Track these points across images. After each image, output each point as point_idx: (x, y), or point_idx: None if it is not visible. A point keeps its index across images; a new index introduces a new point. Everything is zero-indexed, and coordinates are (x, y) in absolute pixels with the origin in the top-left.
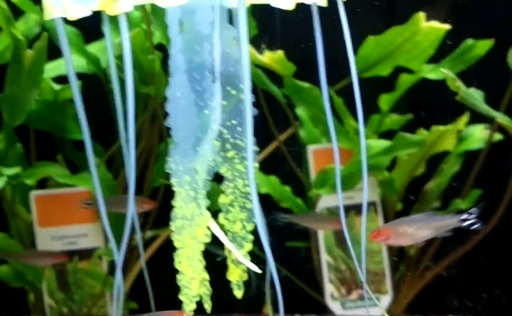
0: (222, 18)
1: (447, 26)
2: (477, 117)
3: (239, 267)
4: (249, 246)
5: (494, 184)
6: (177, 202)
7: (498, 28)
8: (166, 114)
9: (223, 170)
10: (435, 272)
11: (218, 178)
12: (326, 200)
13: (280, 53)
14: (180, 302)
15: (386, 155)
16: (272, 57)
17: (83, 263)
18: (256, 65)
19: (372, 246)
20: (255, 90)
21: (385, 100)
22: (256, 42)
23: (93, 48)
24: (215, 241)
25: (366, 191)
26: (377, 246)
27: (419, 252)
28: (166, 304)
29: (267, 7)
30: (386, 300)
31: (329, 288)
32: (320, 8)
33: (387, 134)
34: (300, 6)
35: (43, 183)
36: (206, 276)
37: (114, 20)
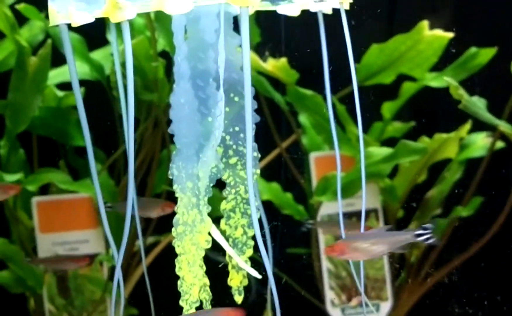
0: (227, 25)
1: (450, 35)
2: (479, 125)
3: (240, 272)
4: (250, 252)
5: (495, 191)
6: (179, 208)
7: (501, 36)
8: (168, 121)
9: (225, 176)
10: (436, 279)
11: (218, 185)
12: (327, 207)
13: (283, 60)
14: (181, 308)
15: (388, 163)
16: (276, 65)
17: (83, 269)
18: (259, 73)
19: None
20: (258, 97)
21: (387, 108)
22: (259, 49)
23: (96, 55)
24: (216, 247)
25: (365, 197)
26: None
27: (420, 259)
28: (167, 310)
29: (270, 14)
30: (386, 306)
31: (329, 295)
32: (323, 16)
33: (390, 142)
34: (303, 13)
35: (45, 189)
36: (207, 281)
37: (118, 27)
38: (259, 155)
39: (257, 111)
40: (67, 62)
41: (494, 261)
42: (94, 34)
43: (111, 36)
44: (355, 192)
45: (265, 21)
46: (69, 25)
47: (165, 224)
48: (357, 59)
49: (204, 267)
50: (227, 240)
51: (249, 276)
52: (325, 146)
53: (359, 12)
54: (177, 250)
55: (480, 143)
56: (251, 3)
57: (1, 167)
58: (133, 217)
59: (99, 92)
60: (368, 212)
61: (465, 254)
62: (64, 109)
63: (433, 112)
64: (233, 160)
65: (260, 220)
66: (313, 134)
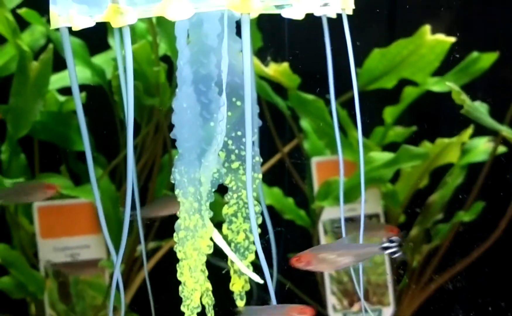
0: (229, 29)
1: (452, 39)
2: (481, 129)
3: (242, 277)
4: (252, 257)
5: (497, 196)
6: (180, 213)
7: (503, 40)
8: (170, 126)
9: (227, 181)
10: (438, 284)
11: (219, 190)
12: (329, 212)
13: (285, 65)
14: (182, 313)
15: (389, 167)
16: (277, 69)
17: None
18: (261, 77)
19: (375, 258)
20: (259, 101)
21: (389, 113)
22: (261, 54)
23: (98, 59)
24: (217, 253)
25: (364, 202)
26: (380, 257)
27: (422, 264)
28: (168, 315)
29: (272, 19)
30: (388, 312)
31: (331, 300)
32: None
33: (391, 146)
34: (305, 18)
35: None
36: (209, 286)
37: (121, 31)
38: (261, 160)
39: (259, 115)
40: (67, 64)
41: (497, 266)
42: (96, 38)
43: (115, 40)
44: (357, 197)
45: (266, 26)
46: (70, 30)
47: (166, 229)
48: (358, 64)
49: (206, 272)
50: (229, 245)
51: (251, 281)
52: (327, 151)
53: (361, 16)
54: (179, 255)
55: (482, 148)
56: (252, 9)
57: (2, 172)
58: (135, 222)
59: (101, 97)
60: (369, 217)
61: (467, 259)
62: (65, 114)
63: (434, 117)
64: (235, 165)
65: (265, 225)
66: (315, 139)
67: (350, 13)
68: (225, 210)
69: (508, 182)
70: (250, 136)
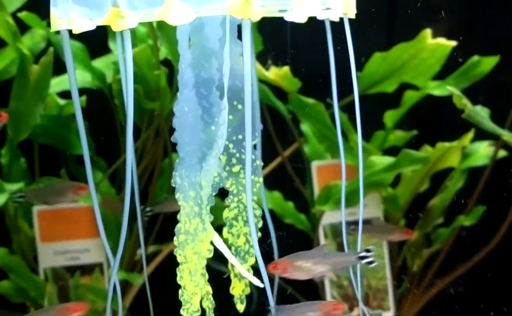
0: (231, 33)
1: (453, 43)
2: (482, 133)
3: (242, 281)
4: (252, 260)
5: (498, 200)
6: (181, 216)
7: (504, 44)
8: (171, 129)
9: (228, 184)
10: (439, 289)
11: (220, 193)
12: (329, 216)
13: (286, 69)
14: None
15: (390, 172)
16: (278, 73)
17: (84, 278)
18: (262, 81)
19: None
20: (260, 105)
21: (389, 116)
22: (262, 57)
23: (98, 63)
24: (218, 257)
25: (362, 206)
26: (380, 262)
27: (422, 269)
28: None
29: (274, 22)
30: None
31: None
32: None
33: (392, 151)
34: (306, 22)
35: None
36: (210, 289)
37: (122, 35)
38: (262, 163)
39: (260, 119)
40: (67, 68)
41: (499, 270)
42: (96, 42)
43: (116, 44)
44: (357, 201)
45: (267, 29)
46: (71, 33)
47: (167, 233)
48: (359, 68)
49: (207, 276)
50: (230, 248)
51: (251, 284)
52: (327, 155)
53: (361, 20)
54: (179, 259)
55: (483, 152)
56: (252, 14)
57: (2, 176)
58: (135, 225)
59: (101, 101)
60: (370, 222)
61: (468, 264)
62: (65, 118)
63: (435, 121)
64: (236, 168)
65: (267, 229)
66: (315, 142)
67: (353, 16)
68: (226, 213)
69: (509, 186)
70: (250, 139)
